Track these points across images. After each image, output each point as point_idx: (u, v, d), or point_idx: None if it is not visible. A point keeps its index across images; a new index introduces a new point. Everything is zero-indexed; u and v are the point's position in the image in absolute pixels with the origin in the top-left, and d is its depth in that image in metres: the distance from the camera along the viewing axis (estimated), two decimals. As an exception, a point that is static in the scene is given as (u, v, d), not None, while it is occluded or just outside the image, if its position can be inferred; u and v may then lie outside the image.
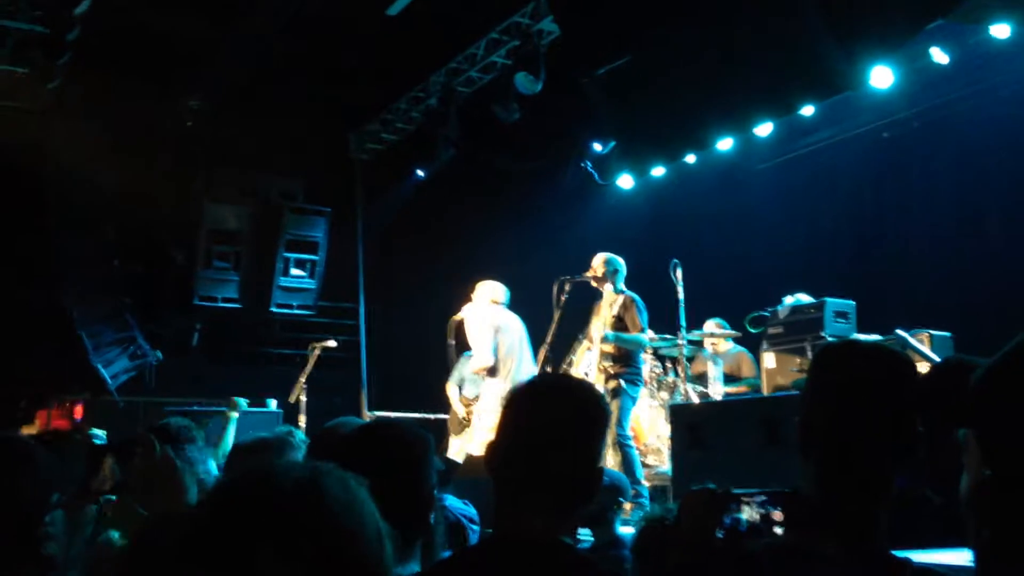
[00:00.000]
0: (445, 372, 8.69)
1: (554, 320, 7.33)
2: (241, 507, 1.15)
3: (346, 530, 1.15)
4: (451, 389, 8.66)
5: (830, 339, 6.95)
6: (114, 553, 2.52)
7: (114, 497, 2.94)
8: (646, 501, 6.77)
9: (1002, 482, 1.09)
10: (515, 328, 8.11)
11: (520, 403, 2.06)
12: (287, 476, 1.17)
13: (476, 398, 8.33)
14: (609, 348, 7.31)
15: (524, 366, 7.95)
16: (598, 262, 7.51)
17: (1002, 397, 1.13)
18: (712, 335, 8.72)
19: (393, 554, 1.21)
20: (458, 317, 8.31)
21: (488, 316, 8.05)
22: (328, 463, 1.24)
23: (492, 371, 7.93)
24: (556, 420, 1.98)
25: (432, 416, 9.47)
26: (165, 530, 1.97)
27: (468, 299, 8.36)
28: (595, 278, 7.51)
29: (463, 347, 8.35)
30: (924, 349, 6.14)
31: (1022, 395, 1.11)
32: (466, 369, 8.47)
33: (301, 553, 1.11)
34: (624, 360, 7.28)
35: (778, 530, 2.03)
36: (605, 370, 7.30)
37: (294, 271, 12.02)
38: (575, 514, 1.99)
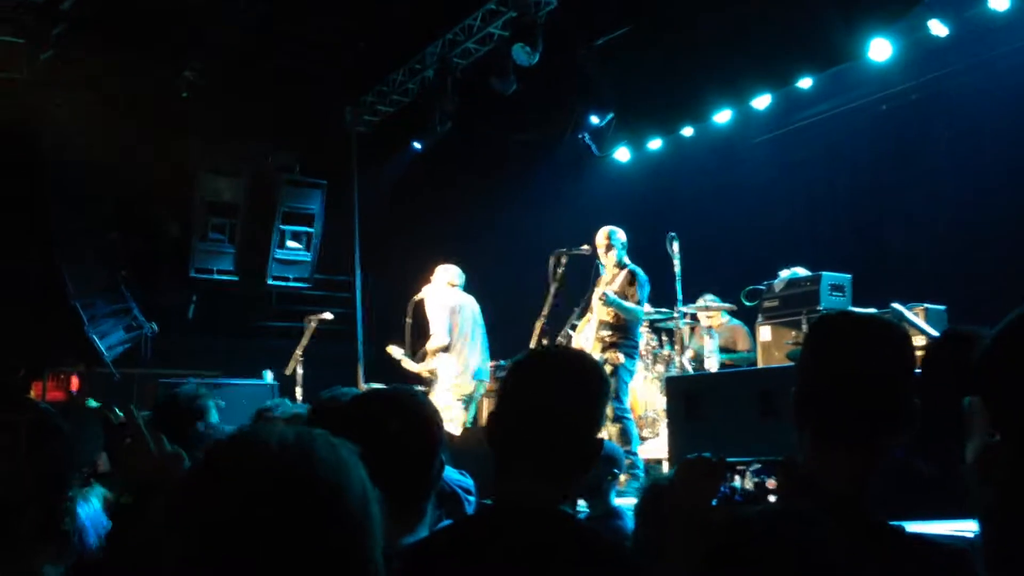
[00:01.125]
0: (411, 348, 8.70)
1: (550, 293, 7.36)
2: (231, 464, 1.18)
3: (332, 489, 1.17)
4: (407, 363, 8.72)
5: (826, 312, 6.99)
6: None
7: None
8: (641, 472, 6.83)
9: (1015, 445, 1.12)
10: (469, 310, 8.28)
11: (519, 375, 2.08)
12: (276, 436, 1.20)
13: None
14: (608, 316, 7.32)
15: (477, 347, 8.20)
16: (601, 235, 7.52)
17: (1012, 361, 1.15)
18: (707, 308, 8.74)
19: (384, 519, 1.23)
20: (417, 297, 8.47)
21: (445, 298, 8.22)
22: (316, 428, 1.27)
23: (446, 349, 8.10)
24: (556, 391, 2.00)
25: (427, 389, 9.49)
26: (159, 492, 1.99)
27: (428, 280, 8.51)
28: (596, 251, 7.52)
29: (421, 326, 8.49)
30: (919, 322, 6.18)
31: None
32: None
33: (288, 509, 1.14)
34: (622, 331, 7.30)
35: (772, 498, 2.06)
36: (602, 339, 7.31)
37: (290, 243, 12.02)
38: (574, 484, 2.01)
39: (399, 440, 2.15)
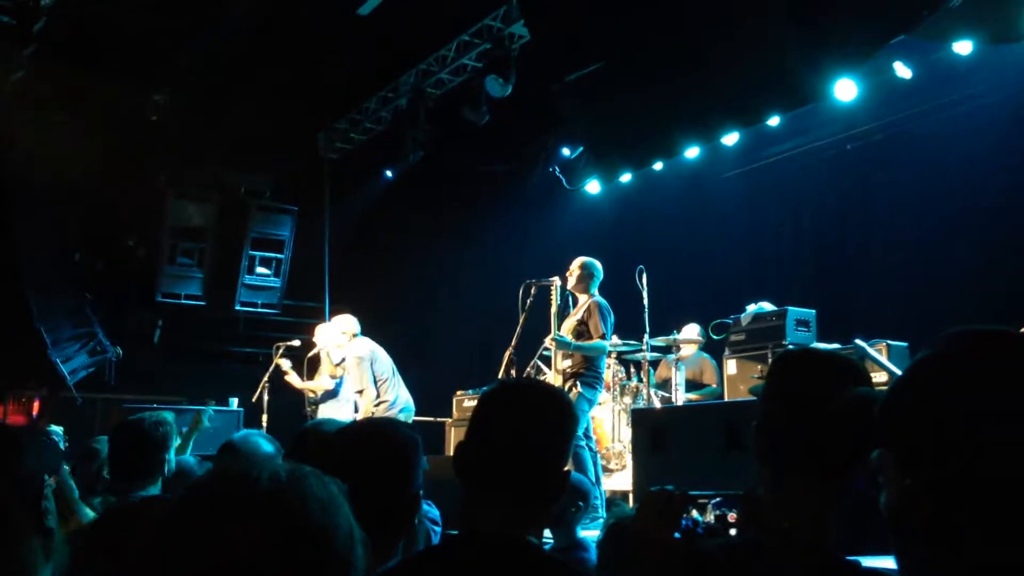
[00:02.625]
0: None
1: (519, 323, 7.38)
2: (217, 501, 1.14)
3: (321, 530, 1.14)
4: (292, 376, 8.94)
5: (791, 347, 7.08)
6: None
7: None
8: (600, 503, 6.82)
9: (926, 487, 1.16)
10: (381, 351, 8.39)
11: (488, 406, 2.10)
12: (265, 472, 1.17)
13: None
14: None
15: (399, 381, 8.34)
16: (575, 265, 7.54)
17: (911, 410, 1.20)
18: (687, 340, 8.80)
19: (367, 559, 1.20)
20: (315, 353, 8.79)
21: (354, 349, 8.29)
22: (306, 465, 1.22)
23: (377, 396, 8.20)
24: (523, 422, 2.02)
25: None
26: (136, 518, 2.00)
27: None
28: (567, 279, 7.53)
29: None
30: (881, 359, 6.26)
31: (927, 401, 1.19)
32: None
33: (274, 550, 1.10)
34: (584, 362, 7.31)
35: (733, 531, 2.09)
36: (563, 371, 7.32)
37: (259, 269, 11.98)
38: (541, 515, 2.03)
39: (373, 474, 2.17)
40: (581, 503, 4.44)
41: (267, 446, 3.22)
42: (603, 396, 7.82)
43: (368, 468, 2.19)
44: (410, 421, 8.23)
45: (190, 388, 10.80)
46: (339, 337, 8.40)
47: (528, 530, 1.97)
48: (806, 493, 1.87)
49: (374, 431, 2.41)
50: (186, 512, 1.14)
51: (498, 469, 1.99)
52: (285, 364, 8.84)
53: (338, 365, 8.63)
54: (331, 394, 8.77)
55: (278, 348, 9.04)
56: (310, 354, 8.87)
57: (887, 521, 1.21)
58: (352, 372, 8.23)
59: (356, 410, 8.40)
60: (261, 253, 11.95)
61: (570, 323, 7.39)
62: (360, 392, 8.15)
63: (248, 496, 1.14)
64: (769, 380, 2.03)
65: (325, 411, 8.54)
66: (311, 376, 8.90)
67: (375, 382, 8.15)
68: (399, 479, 2.24)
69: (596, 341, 7.25)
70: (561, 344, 7.24)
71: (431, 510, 3.35)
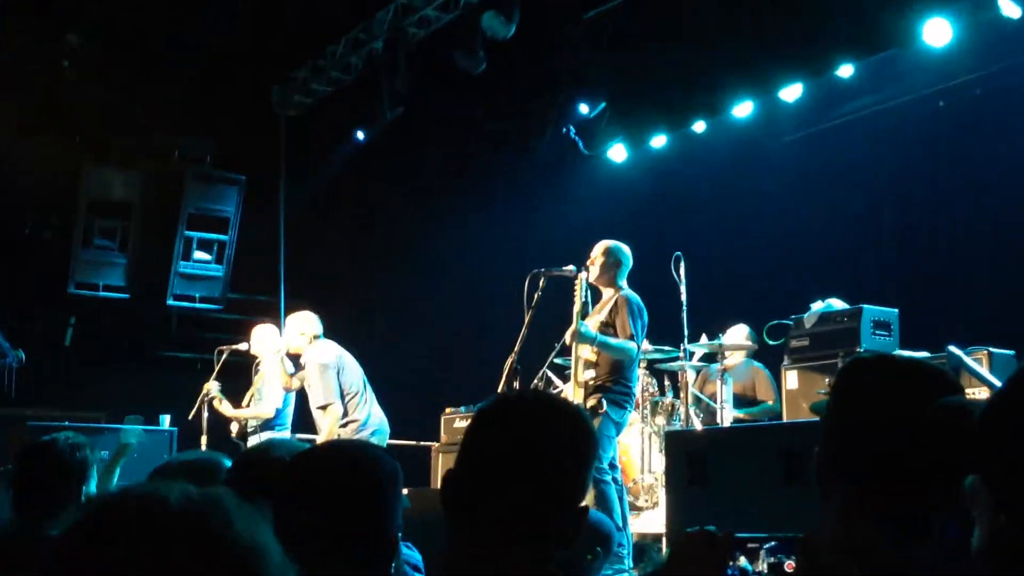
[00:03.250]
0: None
1: (524, 324, 7.38)
2: (116, 527, 1.16)
3: (249, 555, 1.16)
4: (223, 405, 9.03)
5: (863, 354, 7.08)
6: None
7: None
8: (627, 552, 6.83)
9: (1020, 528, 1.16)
10: (350, 358, 8.43)
11: (483, 426, 2.11)
12: (174, 491, 1.19)
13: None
14: (591, 355, 7.34)
15: (369, 397, 8.39)
16: (598, 251, 7.53)
17: (1013, 432, 1.19)
18: (736, 347, 8.78)
19: None
20: (264, 357, 8.93)
21: (318, 354, 8.33)
22: (221, 487, 1.25)
23: (344, 414, 8.26)
24: (527, 447, 2.02)
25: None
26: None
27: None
28: (587, 269, 7.51)
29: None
30: (981, 370, 6.26)
31: None
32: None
33: None
34: (611, 373, 7.29)
35: (791, 584, 2.10)
36: (585, 383, 7.32)
37: (198, 254, 11.97)
38: (549, 563, 2.02)
39: (340, 512, 2.18)
40: (600, 549, 4.44)
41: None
42: (631, 416, 7.82)
43: (333, 504, 2.20)
44: (383, 446, 8.25)
45: (110, 402, 10.80)
46: (296, 339, 8.41)
47: (532, 579, 1.97)
48: (882, 535, 1.87)
49: (341, 457, 2.41)
50: (78, 543, 1.16)
51: (495, 504, 1.99)
52: (214, 388, 8.87)
53: (293, 375, 8.65)
54: (270, 424, 8.81)
55: (221, 352, 9.05)
56: (256, 364, 8.91)
57: (975, 555, 1.21)
58: (313, 383, 8.25)
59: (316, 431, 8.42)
60: (200, 234, 11.93)
61: (592, 324, 7.39)
62: (324, 408, 8.17)
63: (155, 518, 1.15)
64: (836, 395, 2.03)
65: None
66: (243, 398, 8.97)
67: (342, 396, 8.16)
68: (372, 518, 2.25)
69: (625, 341, 7.24)
70: (584, 338, 7.23)
71: (412, 554, 3.36)
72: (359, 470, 2.31)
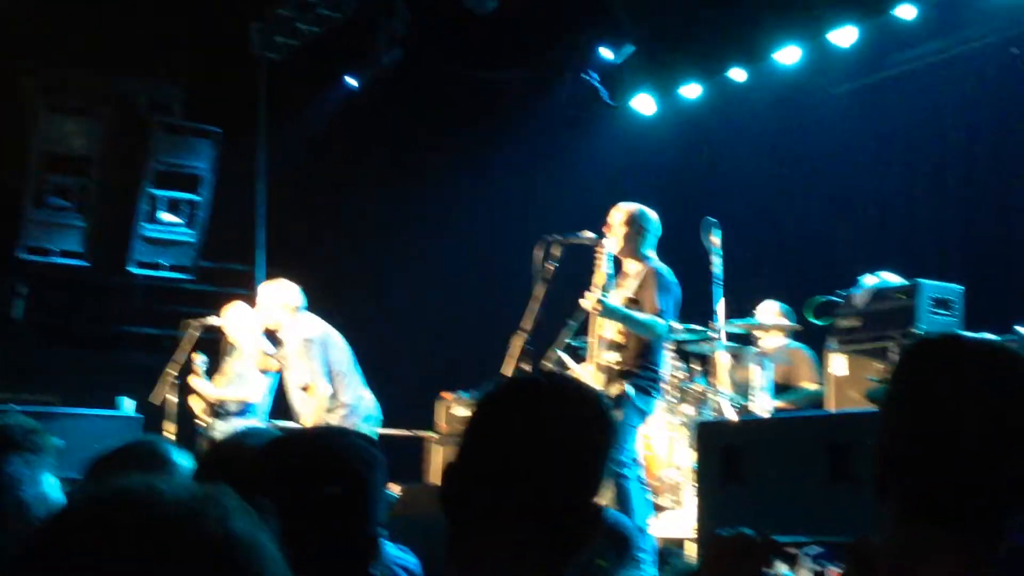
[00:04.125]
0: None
1: (536, 297, 7.37)
2: (95, 530, 1.12)
3: (245, 564, 1.14)
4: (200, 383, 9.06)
5: (927, 335, 7.05)
6: None
7: None
8: (649, 557, 6.84)
9: None
10: (337, 336, 8.48)
11: (487, 414, 2.11)
12: (169, 490, 1.16)
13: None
14: (615, 334, 7.31)
15: (358, 380, 8.46)
16: (619, 217, 7.49)
17: None
18: (760, 326, 8.78)
19: None
20: (231, 327, 8.94)
21: (303, 329, 8.36)
22: (225, 487, 1.22)
23: (332, 397, 8.30)
24: (538, 437, 2.02)
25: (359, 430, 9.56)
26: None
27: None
28: (607, 237, 7.47)
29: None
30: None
31: None
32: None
33: None
34: (638, 356, 7.28)
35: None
36: (608, 368, 7.31)
37: (165, 216, 11.98)
38: (560, 567, 2.02)
39: (311, 505, 2.18)
40: (616, 554, 4.46)
41: (181, 458, 3.23)
42: (655, 404, 7.82)
43: (304, 497, 2.20)
44: (374, 433, 8.26)
45: (65, 383, 10.83)
46: (275, 312, 8.41)
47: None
48: (948, 544, 1.85)
49: (315, 444, 2.42)
50: (54, 544, 1.13)
51: (499, 503, 1.99)
52: (198, 361, 8.84)
53: (272, 356, 8.66)
54: (248, 409, 8.81)
55: (187, 325, 9.05)
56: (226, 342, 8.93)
57: None
58: (294, 360, 8.26)
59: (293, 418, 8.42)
60: (168, 193, 11.94)
61: (615, 301, 7.37)
62: (306, 388, 8.18)
63: (141, 520, 1.12)
64: (896, 381, 2.02)
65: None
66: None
67: (329, 376, 8.16)
68: (349, 513, 2.26)
69: (652, 318, 7.23)
70: (608, 311, 7.20)
71: (406, 558, 3.37)
72: (334, 459, 2.32)
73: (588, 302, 7.29)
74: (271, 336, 8.67)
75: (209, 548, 1.13)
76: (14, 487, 3.28)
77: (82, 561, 1.11)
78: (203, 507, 1.16)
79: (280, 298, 8.44)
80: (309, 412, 8.18)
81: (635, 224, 7.47)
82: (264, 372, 8.79)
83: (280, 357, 8.59)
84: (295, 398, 8.38)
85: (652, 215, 7.57)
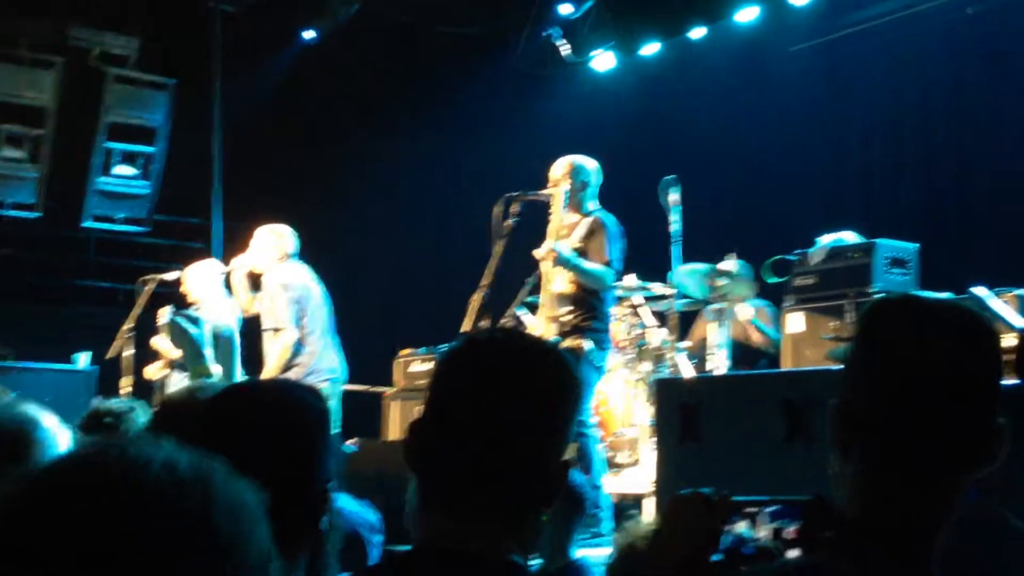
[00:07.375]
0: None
1: (494, 255, 7.36)
2: (75, 499, 1.09)
3: (229, 545, 1.13)
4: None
5: (884, 295, 7.10)
6: None
7: None
8: (605, 515, 6.87)
9: None
10: (319, 290, 8.43)
11: (451, 370, 2.09)
12: (157, 458, 1.13)
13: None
14: (567, 287, 7.28)
15: (330, 340, 8.41)
16: (560, 169, 7.47)
17: None
18: (720, 279, 8.79)
19: None
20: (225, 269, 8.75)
21: (284, 275, 8.30)
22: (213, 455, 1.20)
23: (297, 346, 8.21)
24: (504, 394, 2.00)
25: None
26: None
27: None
28: (554, 193, 7.46)
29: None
30: (1008, 313, 6.32)
31: None
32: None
33: (161, 569, 1.07)
34: (588, 308, 7.26)
35: (793, 552, 2.11)
36: (559, 319, 7.32)
37: (120, 169, 11.89)
38: (528, 525, 2.02)
39: (275, 456, 2.17)
40: (572, 511, 4.48)
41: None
42: (611, 360, 7.84)
43: (250, 450, 2.19)
44: (337, 391, 8.26)
45: (19, 339, 10.75)
46: (266, 255, 8.33)
47: (510, 546, 1.97)
48: (906, 499, 1.88)
49: (264, 398, 2.41)
50: (25, 517, 1.09)
51: (466, 460, 1.97)
52: (163, 314, 8.67)
53: (254, 299, 8.51)
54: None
55: (144, 282, 8.98)
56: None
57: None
58: (267, 304, 8.17)
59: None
60: (123, 146, 11.85)
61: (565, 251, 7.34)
62: (275, 332, 8.11)
63: (128, 491, 1.09)
64: (859, 339, 2.03)
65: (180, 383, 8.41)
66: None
67: (299, 324, 8.09)
68: (295, 464, 2.24)
69: (601, 268, 7.23)
70: (562, 260, 7.18)
71: (367, 513, 3.38)
72: (277, 408, 2.31)
73: (541, 251, 7.29)
74: (254, 280, 8.55)
75: (181, 528, 1.11)
76: None
77: (43, 521, 1.08)
78: (188, 484, 1.13)
79: (273, 242, 8.38)
80: (273, 358, 8.12)
81: (578, 176, 7.46)
82: (246, 313, 8.59)
83: (258, 299, 8.47)
84: (265, 342, 8.32)
85: (591, 166, 7.54)
